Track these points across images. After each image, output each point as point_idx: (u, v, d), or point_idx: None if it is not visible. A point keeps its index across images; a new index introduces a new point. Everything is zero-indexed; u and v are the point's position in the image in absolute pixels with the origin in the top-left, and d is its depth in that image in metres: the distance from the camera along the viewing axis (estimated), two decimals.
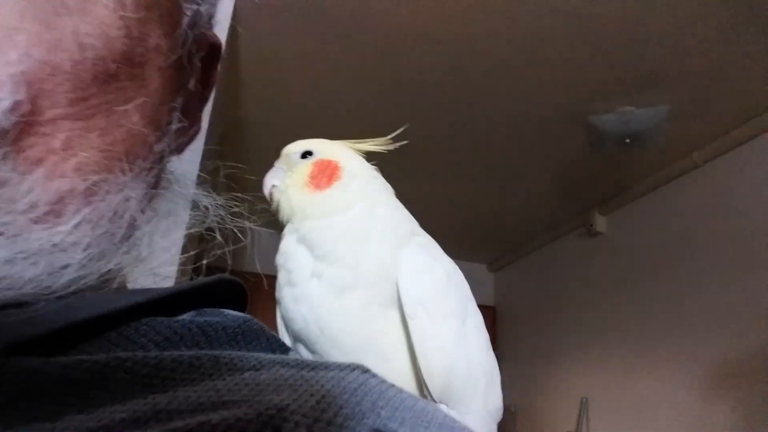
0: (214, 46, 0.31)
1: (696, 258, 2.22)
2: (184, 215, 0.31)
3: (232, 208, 0.33)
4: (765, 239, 1.94)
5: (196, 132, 0.31)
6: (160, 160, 0.26)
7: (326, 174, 0.52)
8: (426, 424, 0.20)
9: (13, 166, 0.20)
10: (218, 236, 0.34)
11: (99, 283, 0.23)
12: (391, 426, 0.19)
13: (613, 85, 1.90)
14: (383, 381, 0.22)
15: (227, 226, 0.33)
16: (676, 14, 1.58)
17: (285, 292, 0.50)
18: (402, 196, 0.57)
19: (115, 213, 0.23)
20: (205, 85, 0.31)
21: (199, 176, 0.35)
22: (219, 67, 0.32)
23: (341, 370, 0.21)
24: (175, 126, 0.26)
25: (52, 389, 0.18)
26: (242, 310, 0.29)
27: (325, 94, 2.08)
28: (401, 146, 0.55)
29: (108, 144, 0.22)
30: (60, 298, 0.21)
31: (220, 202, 0.32)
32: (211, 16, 0.30)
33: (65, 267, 0.21)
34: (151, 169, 0.25)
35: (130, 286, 0.27)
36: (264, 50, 1.86)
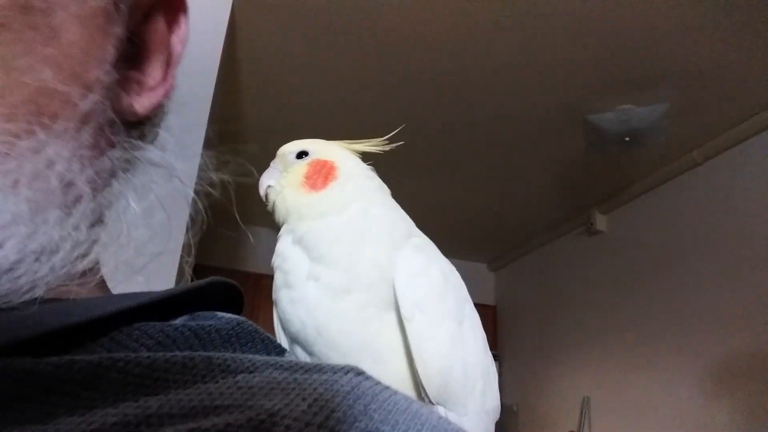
0: None
1: (696, 256, 2.22)
2: (184, 216, 0.31)
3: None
4: (765, 237, 1.94)
5: (167, 91, 0.28)
6: (97, 117, 0.23)
7: (322, 174, 0.52)
8: (419, 426, 0.20)
9: None
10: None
11: (68, 258, 0.22)
12: (384, 429, 0.19)
13: (613, 84, 1.90)
14: (377, 383, 0.22)
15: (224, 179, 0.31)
16: (675, 13, 1.58)
17: (282, 294, 0.50)
18: (403, 195, 0.56)
19: (36, 175, 0.21)
20: (163, 38, 0.28)
21: (199, 175, 0.33)
22: (185, 19, 0.29)
23: (335, 373, 0.21)
24: (108, 80, 0.24)
25: (45, 390, 0.18)
26: (238, 312, 0.28)
27: (325, 94, 2.08)
28: (403, 146, 0.54)
29: (13, 105, 0.20)
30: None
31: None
32: None
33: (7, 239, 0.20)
34: (80, 128, 0.22)
35: (123, 282, 0.27)
36: (262, 51, 1.86)
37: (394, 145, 0.55)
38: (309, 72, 1.96)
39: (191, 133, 0.33)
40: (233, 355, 0.21)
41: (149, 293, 0.24)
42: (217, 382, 0.19)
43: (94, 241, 0.24)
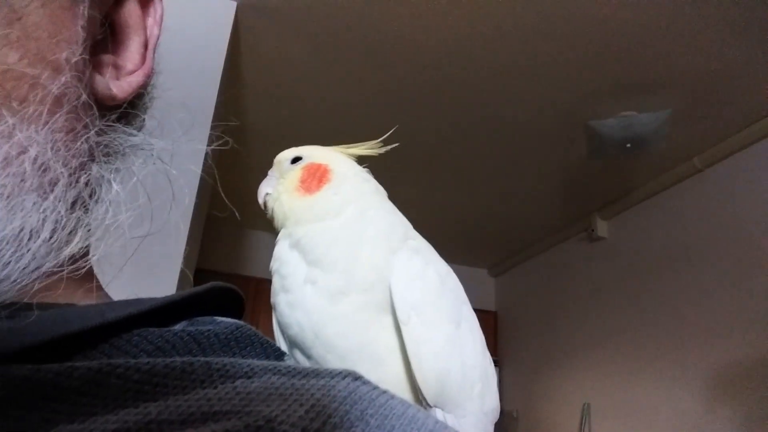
0: None
1: (698, 263, 2.21)
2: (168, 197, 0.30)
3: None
4: (766, 244, 1.94)
5: (147, 74, 0.28)
6: (71, 100, 0.23)
7: (316, 177, 0.52)
8: (415, 431, 0.20)
9: None
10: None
11: (51, 243, 0.21)
12: None
13: (615, 90, 1.91)
14: (375, 388, 0.22)
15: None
16: (677, 20, 1.59)
17: (280, 298, 0.50)
18: (403, 201, 0.57)
19: (7, 160, 0.20)
20: (138, 21, 0.28)
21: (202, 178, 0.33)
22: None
23: (332, 378, 0.21)
24: (78, 62, 0.23)
25: (44, 397, 0.18)
26: (239, 317, 0.29)
27: (328, 99, 2.09)
28: (404, 151, 0.55)
29: None
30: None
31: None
32: None
33: None
34: (53, 112, 0.22)
35: (113, 274, 0.26)
36: (265, 56, 1.86)
37: (389, 147, 0.55)
38: (312, 77, 1.97)
39: (194, 137, 0.33)
40: (232, 360, 0.22)
41: (150, 300, 0.24)
42: (215, 387, 0.19)
43: (77, 224, 0.23)
